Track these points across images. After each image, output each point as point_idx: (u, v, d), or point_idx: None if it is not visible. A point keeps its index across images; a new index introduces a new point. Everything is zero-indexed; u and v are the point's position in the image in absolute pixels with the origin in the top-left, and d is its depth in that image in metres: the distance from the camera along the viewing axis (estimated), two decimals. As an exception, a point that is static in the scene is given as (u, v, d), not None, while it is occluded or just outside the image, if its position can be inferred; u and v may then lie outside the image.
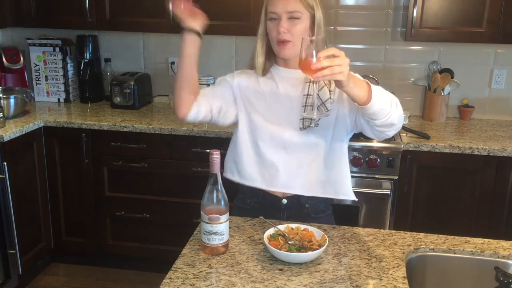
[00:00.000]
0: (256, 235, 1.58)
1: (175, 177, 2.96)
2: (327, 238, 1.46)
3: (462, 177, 2.72)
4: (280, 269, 1.39)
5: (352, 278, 1.35)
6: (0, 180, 2.67)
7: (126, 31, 3.32)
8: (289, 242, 1.44)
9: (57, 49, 3.31)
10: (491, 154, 2.62)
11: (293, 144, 1.69)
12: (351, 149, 2.62)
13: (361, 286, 1.32)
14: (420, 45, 3.16)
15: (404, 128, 2.85)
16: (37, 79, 3.39)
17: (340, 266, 1.41)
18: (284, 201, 1.73)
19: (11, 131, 2.73)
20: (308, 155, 1.69)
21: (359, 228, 1.66)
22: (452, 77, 3.08)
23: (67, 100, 3.40)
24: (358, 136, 2.54)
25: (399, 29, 3.15)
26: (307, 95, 1.64)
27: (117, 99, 3.22)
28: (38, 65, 3.36)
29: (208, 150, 1.43)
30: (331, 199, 1.79)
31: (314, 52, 1.35)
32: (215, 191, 1.43)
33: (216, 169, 1.42)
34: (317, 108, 1.61)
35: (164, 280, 1.34)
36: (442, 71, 3.09)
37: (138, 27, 3.15)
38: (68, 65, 3.36)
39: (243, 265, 1.41)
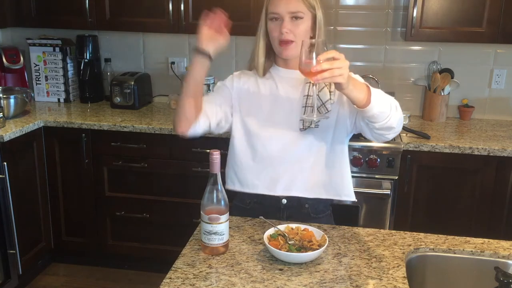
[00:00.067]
0: (256, 235, 1.58)
1: (175, 177, 2.96)
2: (327, 238, 1.46)
3: (462, 177, 2.72)
4: (280, 269, 1.39)
5: (352, 278, 1.35)
6: (0, 180, 2.67)
7: (126, 31, 3.31)
8: (289, 242, 1.44)
9: (57, 49, 3.31)
10: (491, 154, 2.62)
11: (294, 146, 1.68)
12: (351, 149, 2.62)
13: (361, 286, 1.32)
14: (420, 45, 3.16)
15: (404, 128, 2.85)
16: (37, 79, 3.39)
17: (340, 266, 1.41)
18: (284, 201, 1.73)
19: (11, 131, 2.73)
20: (309, 156, 1.69)
21: (359, 228, 1.66)
22: (452, 77, 3.08)
23: (67, 100, 3.40)
24: (358, 136, 2.53)
25: (399, 29, 3.15)
26: (307, 95, 1.64)
27: (117, 99, 3.22)
28: (38, 65, 3.36)
29: (208, 150, 1.43)
30: (331, 199, 1.79)
31: (314, 55, 1.36)
32: (215, 191, 1.43)
33: (216, 169, 1.42)
34: (317, 109, 1.61)
35: (164, 280, 1.34)
36: (442, 71, 3.09)
37: (138, 27, 3.15)
38: (68, 65, 3.36)
39: (243, 265, 1.40)
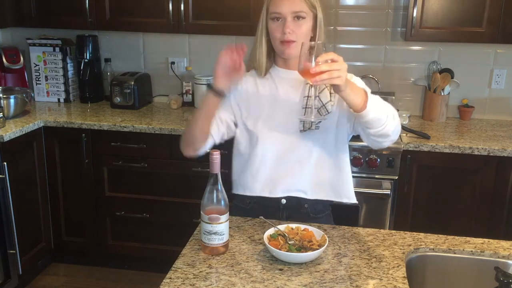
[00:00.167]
0: (256, 235, 1.58)
1: (175, 177, 2.96)
2: (327, 238, 1.46)
3: (462, 177, 2.72)
4: (280, 269, 1.39)
5: (352, 278, 1.35)
6: (0, 180, 2.67)
7: (126, 31, 3.32)
8: (289, 242, 1.44)
9: (57, 49, 3.31)
10: (491, 154, 2.62)
11: (294, 147, 1.68)
12: (351, 149, 2.62)
13: (361, 286, 1.32)
14: (420, 45, 3.16)
15: (404, 128, 2.85)
16: (37, 79, 3.39)
17: (340, 266, 1.41)
18: (283, 201, 1.72)
19: (11, 131, 2.73)
20: (310, 158, 1.69)
21: (359, 228, 1.66)
22: (452, 77, 3.08)
23: (67, 100, 3.40)
24: (358, 136, 2.53)
25: (399, 29, 3.15)
26: (308, 96, 1.63)
27: (117, 99, 3.22)
28: (38, 65, 3.36)
29: (208, 150, 1.43)
30: (331, 200, 1.78)
31: (313, 57, 1.37)
32: (215, 191, 1.43)
33: (216, 169, 1.42)
34: (317, 110, 1.62)
35: (164, 280, 1.34)
36: (442, 71, 3.09)
37: (138, 27, 3.15)
38: (68, 65, 3.36)
39: (243, 265, 1.40)
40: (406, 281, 1.35)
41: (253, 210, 1.75)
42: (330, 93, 1.63)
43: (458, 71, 3.10)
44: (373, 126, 1.50)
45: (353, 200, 1.75)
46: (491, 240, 1.59)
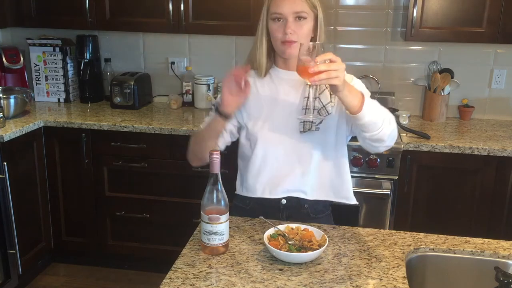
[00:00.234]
0: (256, 235, 1.58)
1: (175, 177, 2.96)
2: (327, 238, 1.46)
3: (462, 177, 2.72)
4: (280, 269, 1.39)
5: (352, 278, 1.35)
6: (0, 180, 2.67)
7: (126, 31, 3.32)
8: (289, 242, 1.44)
9: (57, 49, 3.31)
10: (491, 154, 2.62)
11: (294, 148, 1.68)
12: (351, 149, 2.62)
13: (361, 286, 1.32)
14: (420, 45, 3.16)
15: (404, 128, 2.85)
16: (37, 79, 3.39)
17: (340, 266, 1.41)
18: (283, 201, 1.72)
19: (11, 131, 2.73)
20: (310, 159, 1.68)
21: (359, 228, 1.66)
22: (452, 77, 3.08)
23: (67, 100, 3.40)
24: (358, 136, 2.55)
25: (399, 29, 3.15)
26: (308, 97, 1.63)
27: (117, 99, 3.22)
28: (38, 65, 3.36)
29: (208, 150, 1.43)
30: (331, 201, 1.79)
31: (311, 57, 1.38)
32: (215, 191, 1.43)
33: (216, 169, 1.42)
34: (318, 111, 1.62)
35: (164, 280, 1.34)
36: (442, 71, 3.09)
37: (138, 27, 3.15)
38: (68, 65, 3.36)
39: (243, 265, 1.40)
40: (406, 281, 1.35)
41: (253, 210, 1.75)
42: (331, 94, 1.63)
43: (458, 71, 3.10)
44: (368, 130, 1.51)
45: (352, 201, 1.75)
46: (491, 240, 1.59)
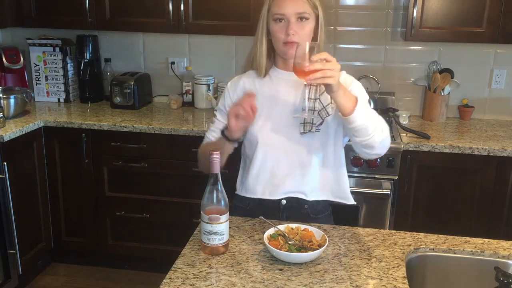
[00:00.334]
0: (256, 235, 1.58)
1: (175, 177, 2.96)
2: (327, 238, 1.46)
3: (462, 177, 2.72)
4: (280, 269, 1.39)
5: (352, 278, 1.35)
6: (0, 180, 2.67)
7: (126, 31, 3.32)
8: (289, 242, 1.44)
9: (57, 49, 3.31)
10: (491, 154, 2.62)
11: (294, 150, 1.68)
12: (351, 149, 2.61)
13: (361, 286, 1.32)
14: (420, 45, 3.16)
15: (404, 128, 2.85)
16: (37, 79, 3.39)
17: (340, 266, 1.41)
18: (283, 201, 1.72)
19: (11, 131, 2.73)
20: (310, 160, 1.68)
21: (359, 228, 1.66)
22: (452, 77, 3.08)
23: (67, 100, 3.40)
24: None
25: (399, 29, 3.15)
26: (308, 98, 1.63)
27: (117, 99, 3.22)
28: (38, 65, 3.36)
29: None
30: (331, 201, 1.79)
31: (307, 56, 1.41)
32: (215, 191, 1.43)
33: (216, 169, 1.42)
34: (318, 112, 1.62)
35: (164, 280, 1.34)
36: (442, 71, 3.09)
37: (138, 27, 3.15)
38: (68, 65, 3.36)
39: (243, 265, 1.40)
40: (406, 281, 1.35)
41: (253, 210, 1.75)
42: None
43: (458, 71, 3.10)
44: (359, 135, 1.52)
45: (350, 201, 1.76)
46: (491, 240, 1.59)
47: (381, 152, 1.59)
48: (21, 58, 3.33)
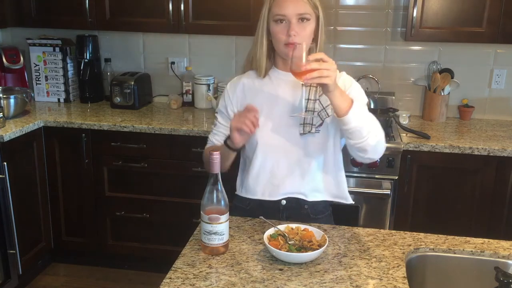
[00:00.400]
0: (256, 235, 1.58)
1: (175, 177, 2.96)
2: (327, 238, 1.46)
3: (462, 177, 2.72)
4: (280, 269, 1.39)
5: (352, 278, 1.35)
6: (0, 180, 2.67)
7: (126, 31, 3.32)
8: (289, 242, 1.44)
9: (57, 49, 3.31)
10: (491, 154, 2.62)
11: (294, 150, 1.68)
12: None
13: (361, 286, 1.32)
14: (420, 45, 3.16)
15: (404, 128, 2.85)
16: (37, 79, 3.39)
17: (340, 266, 1.41)
18: (283, 202, 1.73)
19: (11, 131, 2.73)
20: (310, 161, 1.68)
21: (359, 228, 1.66)
22: (452, 77, 3.07)
23: (67, 100, 3.40)
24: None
25: (399, 29, 3.15)
26: (308, 99, 1.63)
27: (117, 99, 3.22)
28: (38, 65, 3.36)
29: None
30: (331, 201, 1.79)
31: (304, 56, 1.43)
32: (215, 191, 1.43)
33: (216, 169, 1.42)
34: (318, 113, 1.62)
35: (164, 280, 1.34)
36: (442, 71, 3.09)
37: (138, 27, 3.15)
38: (68, 65, 3.36)
39: (243, 265, 1.40)
40: (406, 281, 1.35)
41: (253, 210, 1.75)
42: None
43: (458, 71, 3.10)
44: (353, 137, 1.52)
45: (349, 200, 1.77)
46: (491, 240, 1.59)
47: (374, 156, 1.59)
48: (21, 58, 3.33)
